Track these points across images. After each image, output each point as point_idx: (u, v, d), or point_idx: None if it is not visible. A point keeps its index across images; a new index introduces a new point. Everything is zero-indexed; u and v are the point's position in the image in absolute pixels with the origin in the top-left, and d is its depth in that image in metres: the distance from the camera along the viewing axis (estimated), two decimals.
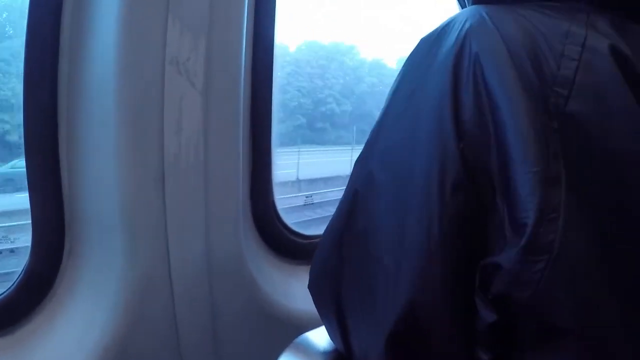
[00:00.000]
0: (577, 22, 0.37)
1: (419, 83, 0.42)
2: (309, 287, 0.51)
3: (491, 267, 0.34)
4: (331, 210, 0.49)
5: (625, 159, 0.33)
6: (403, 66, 0.45)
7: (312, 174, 3.16)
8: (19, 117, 0.76)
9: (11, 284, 0.80)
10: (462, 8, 0.48)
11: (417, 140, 0.39)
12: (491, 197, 0.36)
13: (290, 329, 0.70)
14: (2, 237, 1.09)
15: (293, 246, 0.96)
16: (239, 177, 0.82)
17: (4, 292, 0.79)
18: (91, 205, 0.78)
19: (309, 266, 0.96)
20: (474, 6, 0.42)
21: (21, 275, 0.80)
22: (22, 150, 0.77)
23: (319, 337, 0.62)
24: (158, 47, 0.72)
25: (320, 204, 2.64)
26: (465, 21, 0.40)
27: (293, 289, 0.93)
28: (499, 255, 0.34)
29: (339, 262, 0.45)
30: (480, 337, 0.36)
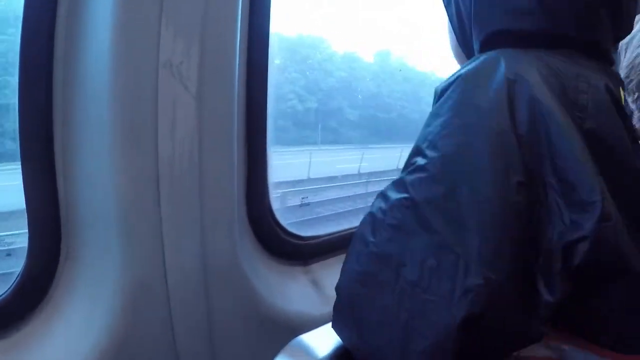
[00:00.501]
0: (580, 66, 0.51)
1: (471, 114, 0.49)
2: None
3: (575, 241, 0.43)
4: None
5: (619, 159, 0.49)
6: (440, 106, 0.52)
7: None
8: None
9: (8, 287, 0.80)
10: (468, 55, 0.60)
11: (476, 150, 0.47)
12: (543, 193, 0.46)
13: (286, 331, 0.71)
14: None
15: (289, 247, 0.96)
16: (234, 180, 0.82)
17: (0, 295, 0.79)
18: (87, 208, 0.78)
19: (305, 267, 0.98)
20: (496, 52, 0.53)
21: (18, 279, 0.80)
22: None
23: (315, 340, 0.62)
24: (151, 50, 0.72)
25: None
26: (503, 63, 0.51)
27: (289, 291, 0.94)
28: (578, 231, 0.43)
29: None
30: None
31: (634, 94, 0.97)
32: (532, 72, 0.50)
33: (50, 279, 0.81)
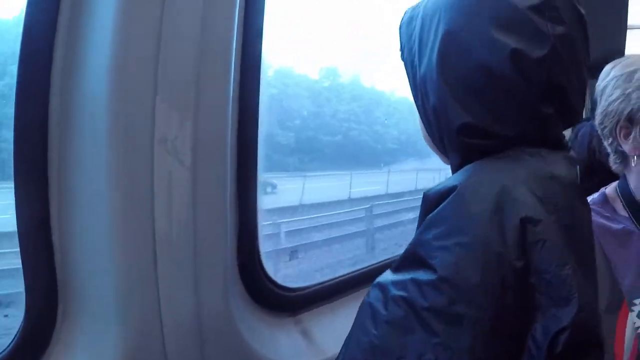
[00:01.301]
0: (549, 164, 0.59)
1: (465, 230, 0.54)
2: None
3: (557, 332, 0.50)
4: None
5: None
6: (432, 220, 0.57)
7: None
8: None
9: (6, 346, 0.83)
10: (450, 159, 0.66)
11: (471, 268, 0.52)
12: (530, 294, 0.52)
13: None
14: None
15: (278, 299, 1.00)
16: (227, 241, 0.86)
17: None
18: (84, 272, 0.81)
19: (294, 317, 1.01)
20: (476, 164, 0.60)
21: (15, 338, 0.83)
22: None
23: None
24: (147, 127, 0.76)
25: None
26: (487, 178, 0.58)
27: (280, 342, 0.97)
28: (559, 324, 0.50)
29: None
30: None
31: (609, 138, 1.03)
32: (517, 185, 0.55)
33: (48, 338, 0.84)
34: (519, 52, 0.58)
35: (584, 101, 0.66)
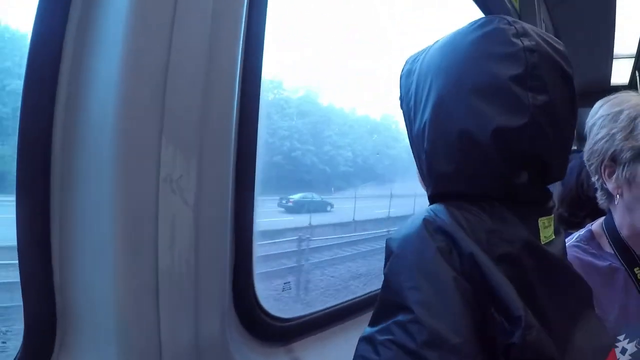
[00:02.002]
0: (494, 221, 0.64)
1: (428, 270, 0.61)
2: None
3: (509, 345, 0.57)
4: None
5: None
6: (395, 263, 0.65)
7: None
8: None
9: None
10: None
11: (444, 299, 0.59)
12: (490, 314, 0.59)
13: None
14: None
15: (271, 330, 1.03)
16: (226, 276, 0.88)
17: None
18: (83, 307, 0.82)
19: (286, 347, 1.04)
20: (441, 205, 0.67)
21: None
22: None
23: None
24: (152, 166, 0.78)
25: None
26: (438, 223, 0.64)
27: None
28: (510, 339, 0.57)
29: None
30: None
31: (595, 175, 1.07)
32: (460, 231, 0.62)
33: None
34: (500, 130, 0.62)
35: (567, 161, 0.70)
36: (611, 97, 1.06)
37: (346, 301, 1.23)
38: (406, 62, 0.77)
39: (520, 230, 0.64)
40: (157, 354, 0.82)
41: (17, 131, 0.78)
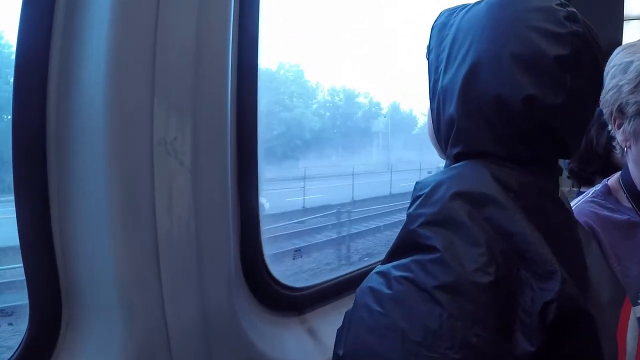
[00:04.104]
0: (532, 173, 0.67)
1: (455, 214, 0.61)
2: None
3: (547, 303, 0.56)
4: None
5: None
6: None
7: None
8: None
9: (10, 355, 0.82)
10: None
11: (463, 245, 0.59)
12: (515, 271, 0.59)
13: None
14: None
15: (283, 299, 1.00)
16: (230, 241, 0.85)
17: None
18: (87, 278, 0.81)
19: (300, 316, 1.01)
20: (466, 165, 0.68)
21: (20, 346, 0.82)
22: None
23: None
24: (145, 128, 0.75)
25: None
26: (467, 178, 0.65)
27: (286, 342, 0.97)
28: (545, 297, 0.56)
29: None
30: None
31: (608, 125, 1.02)
32: (493, 185, 0.63)
33: (52, 345, 0.83)
34: (532, 97, 0.63)
35: (581, 142, 0.73)
36: (629, 44, 1.00)
37: (361, 268, 1.19)
38: (440, 14, 0.77)
39: (547, 183, 0.68)
40: (163, 323, 0.80)
41: (12, 92, 0.77)
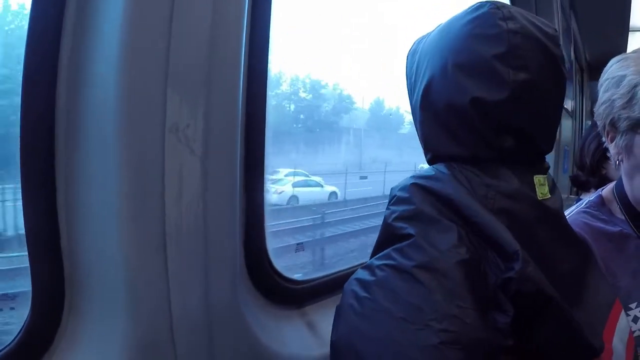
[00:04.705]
0: (490, 177, 0.70)
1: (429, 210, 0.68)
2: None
3: (507, 279, 0.62)
4: None
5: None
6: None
7: None
8: None
9: (11, 340, 0.81)
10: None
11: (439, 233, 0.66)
12: (484, 253, 0.64)
13: None
14: None
15: (285, 292, 1.00)
16: (236, 235, 0.85)
17: (3, 349, 0.80)
18: (92, 265, 0.80)
19: (300, 309, 1.02)
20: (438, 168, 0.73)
21: (21, 331, 0.81)
22: None
23: None
24: (158, 115, 0.75)
25: None
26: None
27: (286, 334, 0.97)
28: (507, 274, 0.62)
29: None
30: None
31: (603, 137, 1.03)
32: (460, 187, 0.69)
33: (53, 333, 0.82)
34: (477, 99, 0.68)
35: (553, 135, 0.77)
36: (624, 56, 1.01)
37: (361, 264, 1.20)
38: (413, 43, 0.85)
39: (516, 184, 0.70)
40: (167, 312, 0.79)
41: (21, 75, 0.76)
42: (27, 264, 0.80)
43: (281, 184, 6.79)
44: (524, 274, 0.62)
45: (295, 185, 6.99)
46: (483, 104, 0.68)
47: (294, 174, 7.08)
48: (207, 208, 0.79)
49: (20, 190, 0.78)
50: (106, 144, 0.74)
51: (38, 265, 0.80)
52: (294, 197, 6.83)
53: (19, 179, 0.78)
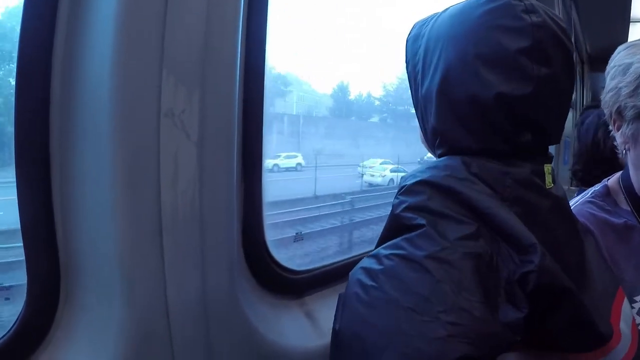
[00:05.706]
0: (507, 166, 0.70)
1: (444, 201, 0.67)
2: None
3: (526, 273, 0.61)
4: None
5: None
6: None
7: None
8: None
9: (5, 331, 0.80)
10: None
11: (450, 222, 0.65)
12: (497, 246, 0.63)
13: None
14: None
15: (283, 282, 0.99)
16: (233, 222, 0.84)
17: (0, 339, 0.79)
18: (87, 256, 0.79)
19: (299, 300, 1.00)
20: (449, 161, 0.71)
21: (17, 322, 0.80)
22: None
23: None
24: (153, 100, 0.74)
25: None
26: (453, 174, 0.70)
27: (285, 325, 0.96)
28: (524, 268, 0.61)
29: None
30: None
31: (610, 125, 1.02)
32: (474, 180, 0.68)
33: (49, 323, 0.81)
34: (502, 94, 0.67)
35: (562, 127, 0.76)
36: (631, 44, 0.99)
37: (361, 254, 1.18)
38: (413, 27, 0.82)
39: (528, 173, 0.69)
40: (163, 301, 0.78)
41: (16, 65, 0.74)
42: (22, 256, 0.79)
43: (378, 169, 10.24)
44: (543, 266, 0.61)
45: (392, 170, 10.02)
46: (508, 100, 0.67)
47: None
48: (203, 195, 0.78)
49: (15, 174, 0.77)
50: (101, 130, 0.73)
51: (33, 254, 0.79)
52: (391, 180, 9.69)
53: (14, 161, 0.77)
